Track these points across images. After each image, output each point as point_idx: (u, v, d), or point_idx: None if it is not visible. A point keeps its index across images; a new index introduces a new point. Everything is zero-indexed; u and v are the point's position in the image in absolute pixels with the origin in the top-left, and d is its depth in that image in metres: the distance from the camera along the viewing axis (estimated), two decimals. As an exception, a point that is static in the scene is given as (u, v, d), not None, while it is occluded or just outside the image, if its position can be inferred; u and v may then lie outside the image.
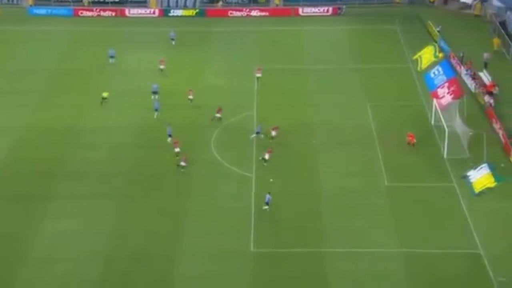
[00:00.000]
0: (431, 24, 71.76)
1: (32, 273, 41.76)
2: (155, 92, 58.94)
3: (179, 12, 77.88)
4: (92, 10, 77.66)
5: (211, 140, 54.30)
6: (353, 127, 55.88)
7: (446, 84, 53.48)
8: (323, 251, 43.37)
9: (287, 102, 59.46)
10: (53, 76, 64.10)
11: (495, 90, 59.75)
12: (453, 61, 64.39)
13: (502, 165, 50.09)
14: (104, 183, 49.48)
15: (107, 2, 78.29)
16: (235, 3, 78.69)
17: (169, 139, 53.28)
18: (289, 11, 77.79)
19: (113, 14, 77.40)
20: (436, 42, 65.75)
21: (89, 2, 78.50)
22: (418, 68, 58.62)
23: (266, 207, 46.32)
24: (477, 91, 60.12)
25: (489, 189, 44.55)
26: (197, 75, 64.05)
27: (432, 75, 55.52)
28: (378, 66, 65.56)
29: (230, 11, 77.66)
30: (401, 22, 73.40)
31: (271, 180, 47.55)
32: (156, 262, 42.60)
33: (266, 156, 50.57)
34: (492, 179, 44.36)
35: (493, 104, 57.96)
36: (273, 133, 53.42)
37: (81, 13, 77.68)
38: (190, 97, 58.35)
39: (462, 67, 63.25)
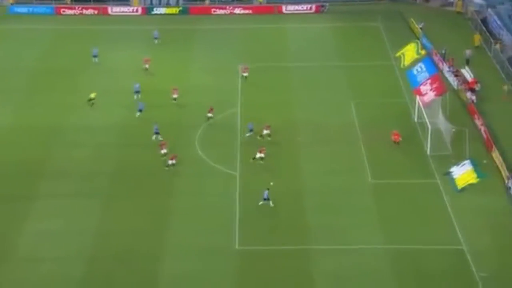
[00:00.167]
0: (413, 21, 72.12)
1: (16, 273, 41.56)
2: (137, 92, 58.81)
3: (162, 10, 77.68)
4: (74, 8, 77.25)
5: (196, 138, 54.25)
6: (337, 125, 56.06)
7: (429, 81, 53.78)
8: (307, 248, 43.49)
9: (271, 100, 59.51)
10: (36, 75, 63.72)
11: (477, 87, 60.18)
12: (436, 58, 64.77)
13: (484, 161, 50.47)
14: (88, 182, 49.30)
15: (89, 0, 77.92)
16: (219, 0, 78.60)
17: (154, 137, 53.19)
18: (273, 8, 77.85)
19: (96, 12, 77.05)
20: (418, 39, 66.09)
21: (71, 0, 78.08)
22: (401, 65, 58.94)
23: (262, 202, 46.34)
24: (459, 87, 60.54)
25: (471, 185, 45.01)
26: (181, 74, 63.93)
27: (415, 72, 55.82)
28: (362, 63, 65.79)
29: (214, 9, 77.57)
30: (384, 19, 73.72)
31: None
32: (140, 261, 42.54)
33: (260, 155, 50.44)
34: (475, 175, 44.80)
35: (475, 101, 58.39)
36: (265, 131, 53.44)
37: (63, 11, 77.26)
38: (175, 96, 58.25)
39: (445, 64, 63.64)
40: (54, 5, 77.66)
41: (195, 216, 46.20)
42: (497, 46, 66.20)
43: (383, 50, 68.07)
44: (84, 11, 77.05)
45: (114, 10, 77.30)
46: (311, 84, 62.50)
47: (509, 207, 47.02)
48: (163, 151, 50.94)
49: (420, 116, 55.04)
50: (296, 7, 77.61)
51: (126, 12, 77.42)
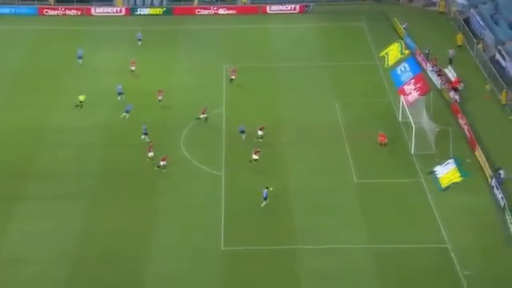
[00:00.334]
0: (397, 21, 72.45)
1: (0, 274, 41.28)
2: (120, 93, 58.65)
3: (146, 11, 77.42)
4: (57, 9, 76.74)
5: (181, 138, 54.19)
6: (322, 125, 56.20)
7: (413, 81, 54.09)
8: (293, 248, 43.59)
9: (256, 100, 59.55)
10: (19, 76, 63.29)
11: (460, 86, 60.60)
12: (419, 58, 65.13)
13: (468, 160, 50.82)
14: (73, 183, 49.11)
15: (72, 1, 77.49)
16: (203, 1, 78.48)
17: (142, 137, 53.11)
18: (257, 9, 77.85)
19: (79, 13, 76.62)
20: (402, 39, 66.38)
21: (54, 1, 77.66)
22: (385, 65, 59.20)
23: (265, 202, 46.34)
24: (442, 87, 60.91)
25: (455, 184, 45.28)
26: (165, 74, 63.77)
27: (398, 72, 56.12)
28: (346, 63, 65.98)
29: (198, 9, 77.44)
30: (368, 19, 73.97)
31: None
32: (126, 262, 42.44)
33: (256, 157, 50.40)
34: (458, 174, 45.07)
35: (458, 100, 58.79)
36: (260, 132, 53.42)
37: (46, 12, 76.76)
38: (160, 97, 58.12)
39: (428, 64, 64.01)
40: (37, 6, 77.15)
41: (181, 217, 46.16)
42: (480, 45, 66.67)
43: (367, 50, 68.32)
44: (67, 12, 76.58)
45: (98, 10, 76.94)
46: (295, 84, 62.60)
47: (492, 205, 47.42)
48: (151, 154, 50.78)
49: (404, 116, 55.32)
50: (280, 7, 77.68)
51: (109, 12, 77.08)
